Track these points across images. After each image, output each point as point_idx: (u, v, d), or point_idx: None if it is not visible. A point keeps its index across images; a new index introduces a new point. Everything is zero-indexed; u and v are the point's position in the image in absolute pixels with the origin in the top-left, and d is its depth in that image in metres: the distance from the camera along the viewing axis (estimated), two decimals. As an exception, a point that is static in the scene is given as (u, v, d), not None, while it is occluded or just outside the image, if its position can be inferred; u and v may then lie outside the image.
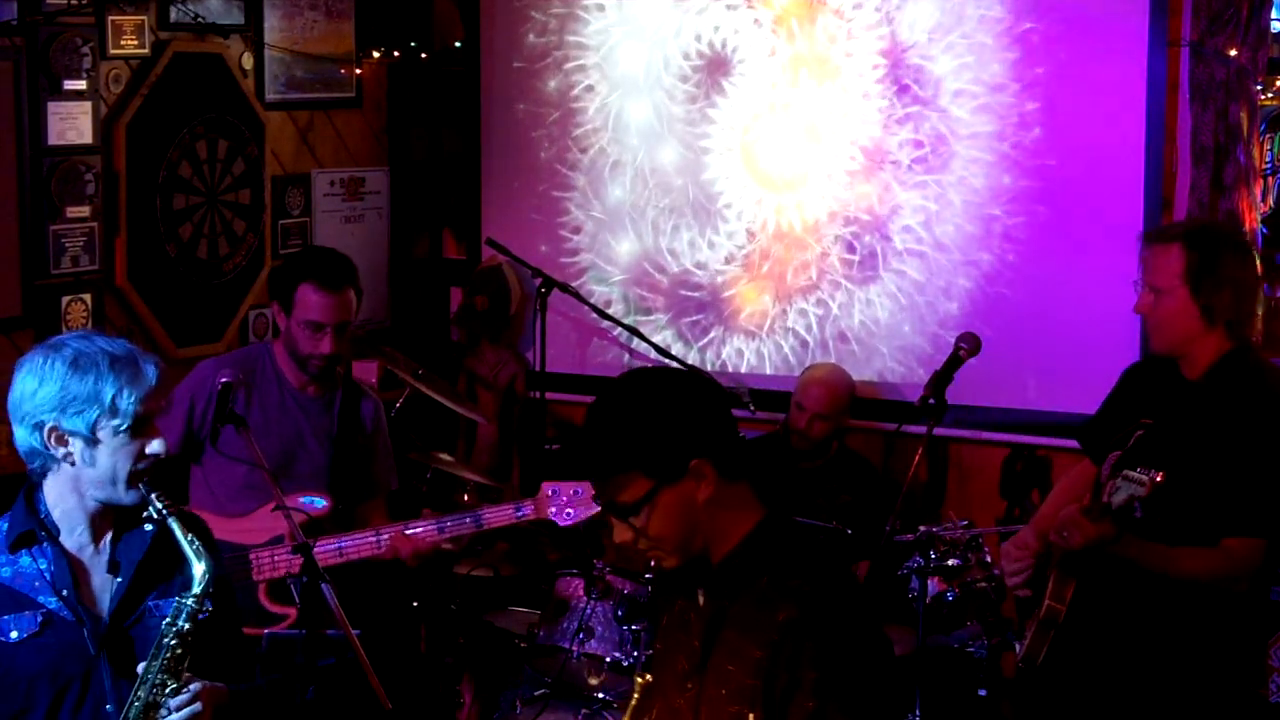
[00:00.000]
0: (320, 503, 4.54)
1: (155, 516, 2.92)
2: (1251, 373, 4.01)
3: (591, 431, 2.66)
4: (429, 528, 4.58)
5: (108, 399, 2.92)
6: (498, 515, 4.64)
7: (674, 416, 2.64)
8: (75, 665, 2.94)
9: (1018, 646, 4.20)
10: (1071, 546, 3.96)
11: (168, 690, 2.84)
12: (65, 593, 2.96)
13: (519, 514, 4.62)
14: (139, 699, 2.86)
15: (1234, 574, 3.94)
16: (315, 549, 4.24)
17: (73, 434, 2.94)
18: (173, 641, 2.86)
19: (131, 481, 2.94)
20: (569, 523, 4.63)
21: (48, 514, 3.00)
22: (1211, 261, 4.00)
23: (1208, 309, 3.98)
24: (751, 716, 2.54)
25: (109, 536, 3.02)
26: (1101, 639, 4.10)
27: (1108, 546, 3.93)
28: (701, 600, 2.69)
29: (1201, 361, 4.03)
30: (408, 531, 4.56)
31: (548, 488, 4.62)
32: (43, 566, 2.98)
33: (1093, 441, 4.30)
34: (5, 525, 3.05)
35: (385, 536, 4.55)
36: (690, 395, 2.67)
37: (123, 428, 2.92)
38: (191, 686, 2.85)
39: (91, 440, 2.94)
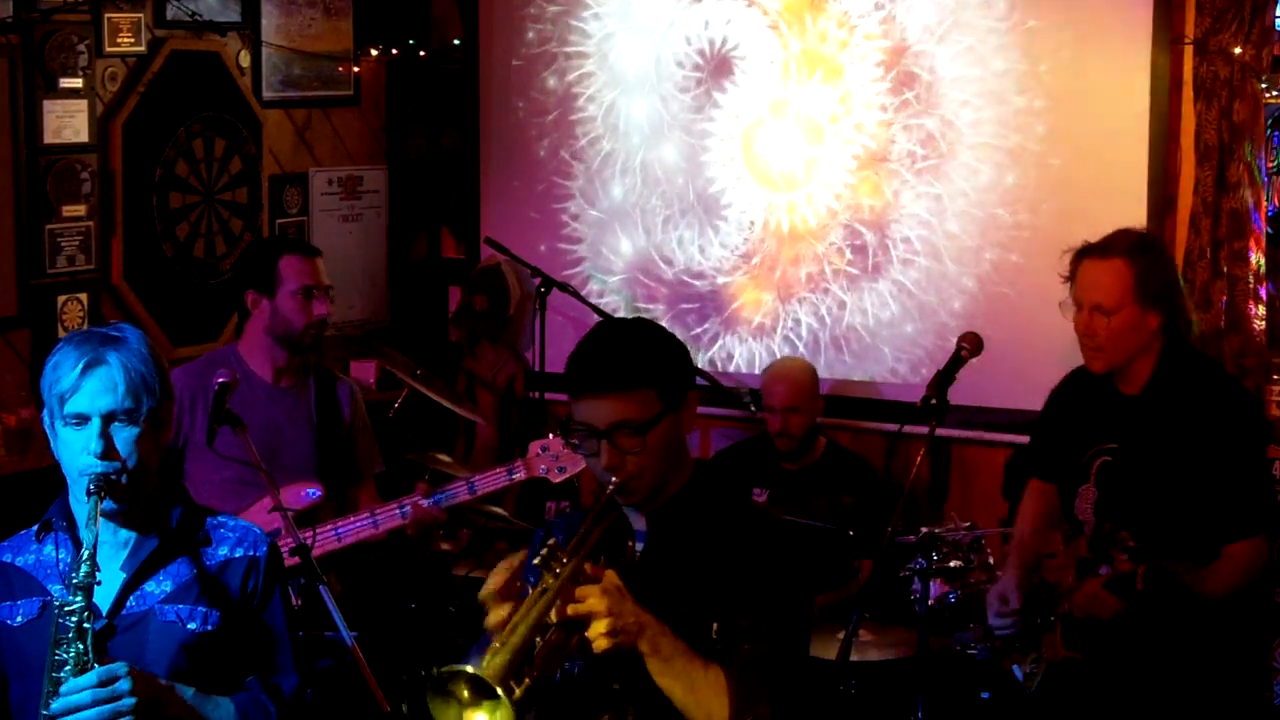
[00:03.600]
0: (315, 492, 4.53)
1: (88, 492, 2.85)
2: (1189, 377, 4.02)
3: (614, 347, 2.86)
4: (425, 501, 4.59)
5: (48, 389, 2.89)
6: (491, 480, 4.66)
7: (680, 348, 2.93)
8: None
9: (1016, 671, 4.22)
10: (1103, 617, 3.99)
11: (65, 670, 2.78)
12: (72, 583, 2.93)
13: (511, 476, 4.64)
14: (46, 681, 2.81)
15: (1250, 577, 3.98)
16: (310, 535, 4.23)
17: (47, 423, 2.93)
18: (64, 621, 2.79)
19: (80, 479, 2.87)
20: (561, 478, 4.69)
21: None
22: (1158, 271, 4.00)
23: (1163, 321, 3.99)
24: (716, 625, 2.76)
25: (132, 536, 2.97)
26: (1107, 643, 4.08)
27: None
28: (640, 546, 2.87)
29: (1141, 375, 4.04)
30: (411, 502, 4.59)
31: (536, 446, 4.66)
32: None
33: (1044, 470, 4.36)
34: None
35: (381, 517, 4.55)
36: (680, 342, 2.96)
37: (62, 423, 2.88)
38: (98, 669, 2.78)
39: (52, 429, 2.92)
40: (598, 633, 2.65)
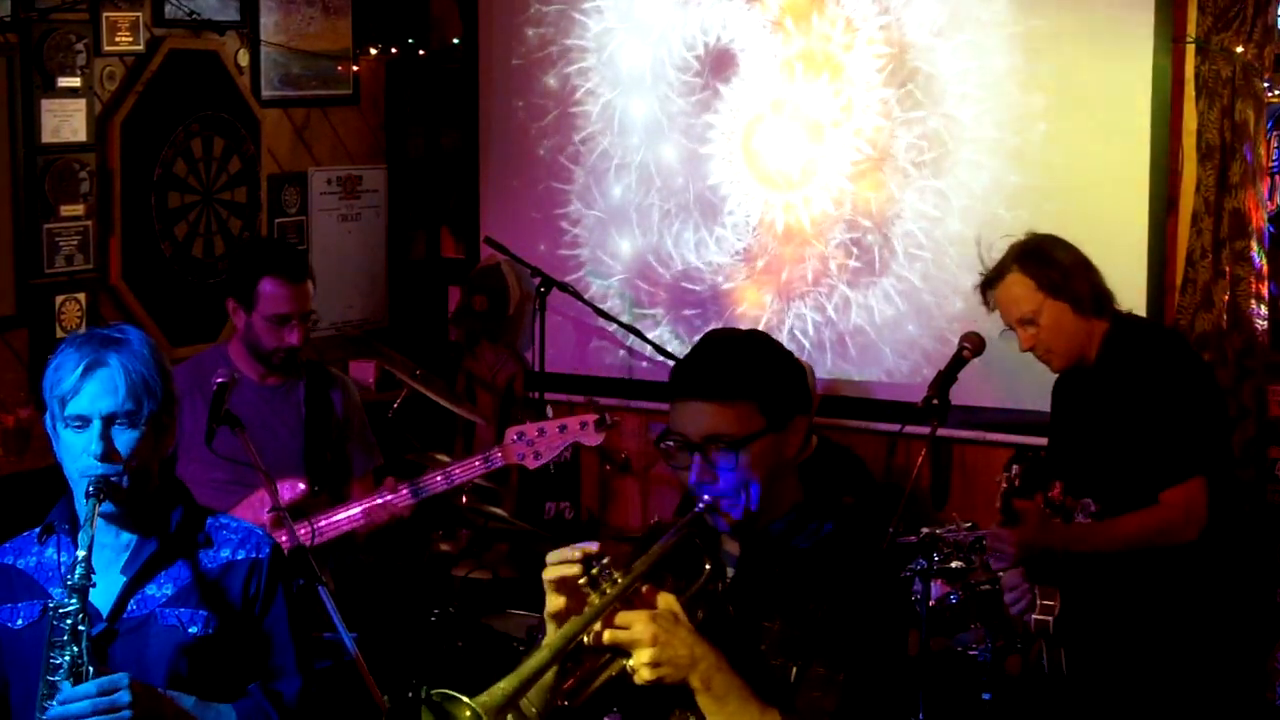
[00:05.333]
0: (299, 487, 4.51)
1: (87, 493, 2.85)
2: (1133, 341, 4.27)
3: (720, 354, 2.70)
4: (403, 493, 4.57)
5: (49, 391, 2.89)
6: (467, 469, 4.63)
7: (793, 369, 2.75)
8: None
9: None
10: (1010, 562, 4.21)
11: (59, 673, 2.77)
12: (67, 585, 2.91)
13: (488, 464, 4.61)
14: (42, 684, 2.81)
15: (1176, 520, 4.11)
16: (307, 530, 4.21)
17: (49, 425, 2.93)
18: (59, 623, 2.79)
19: (80, 481, 2.87)
20: (538, 464, 4.68)
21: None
22: (1049, 262, 4.31)
23: (1076, 301, 4.26)
24: (795, 669, 2.58)
25: (133, 539, 2.96)
26: (1105, 646, 4.08)
27: (1044, 544, 4.12)
28: (730, 572, 2.71)
29: (1093, 351, 4.30)
30: (381, 500, 4.55)
31: (512, 432, 4.65)
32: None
33: (1055, 470, 4.46)
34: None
35: (358, 511, 4.52)
36: (795, 359, 2.79)
37: (63, 425, 2.88)
38: (99, 679, 2.76)
39: (54, 432, 2.92)
40: (641, 662, 2.48)
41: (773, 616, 2.63)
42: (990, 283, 4.40)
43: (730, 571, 2.70)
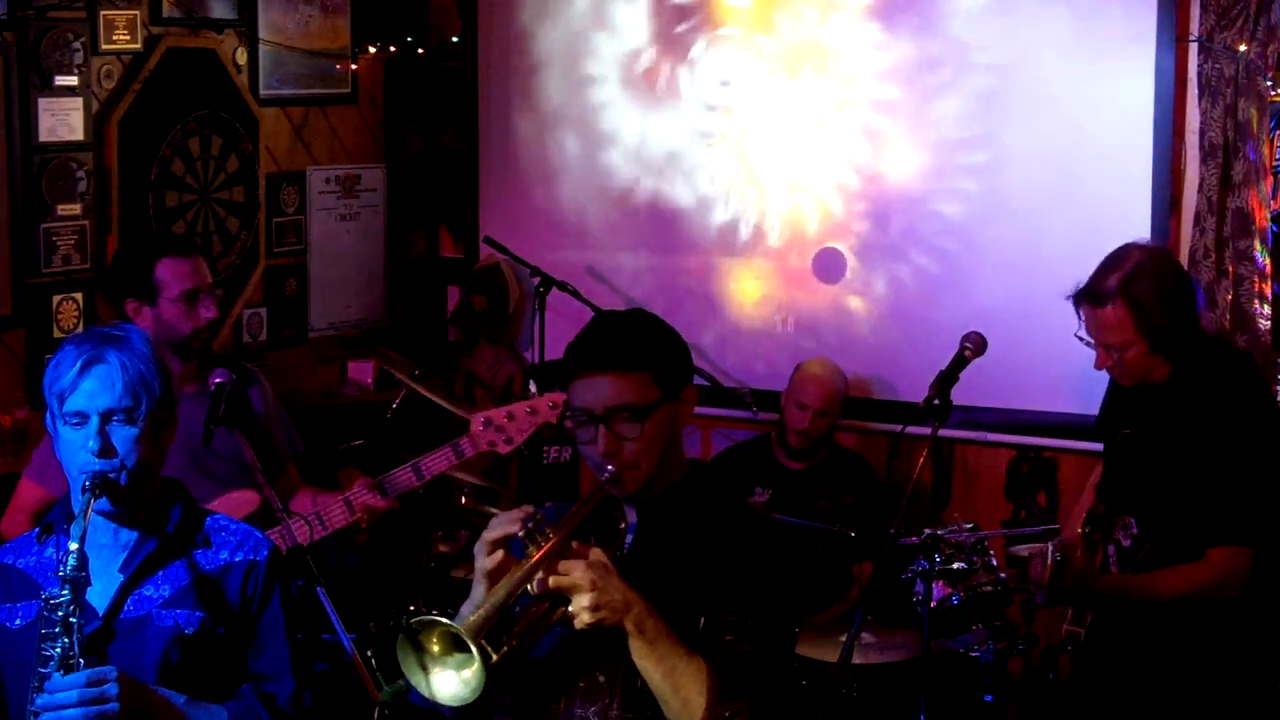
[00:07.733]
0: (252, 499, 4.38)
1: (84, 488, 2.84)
2: (1212, 372, 4.03)
3: (614, 329, 2.87)
4: (370, 492, 4.43)
5: (48, 388, 2.89)
6: (438, 460, 4.51)
7: (678, 339, 2.92)
8: None
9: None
10: (1044, 601, 4.13)
11: (50, 665, 2.76)
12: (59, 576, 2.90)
13: (459, 453, 4.50)
14: (34, 677, 2.79)
15: (1218, 583, 3.97)
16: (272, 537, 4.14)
17: (49, 424, 2.92)
18: (50, 615, 2.78)
19: (79, 478, 2.86)
20: (510, 449, 4.54)
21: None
22: (1156, 304, 3.97)
23: (1170, 344, 3.99)
24: (702, 620, 2.74)
25: (132, 538, 2.96)
26: (1119, 646, 4.07)
27: (1083, 592, 4.04)
28: (630, 538, 2.85)
29: (1167, 373, 4.05)
30: (351, 498, 4.42)
31: (479, 420, 4.50)
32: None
33: (1101, 442, 4.40)
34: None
35: (328, 516, 4.40)
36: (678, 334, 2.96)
37: (62, 422, 2.88)
38: (87, 670, 2.75)
39: (54, 430, 2.91)
40: (581, 607, 2.64)
41: (677, 574, 2.79)
42: (1084, 300, 4.06)
43: (629, 539, 2.86)
